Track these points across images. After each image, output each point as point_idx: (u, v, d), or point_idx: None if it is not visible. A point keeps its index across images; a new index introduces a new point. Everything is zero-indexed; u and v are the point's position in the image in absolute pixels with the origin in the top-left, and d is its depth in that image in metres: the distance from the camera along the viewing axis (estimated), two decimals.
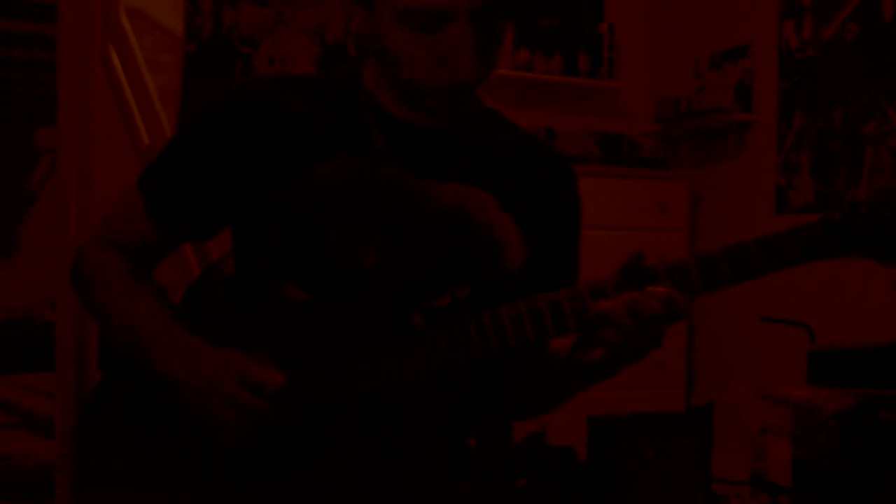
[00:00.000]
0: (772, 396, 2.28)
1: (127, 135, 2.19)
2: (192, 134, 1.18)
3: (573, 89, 3.96)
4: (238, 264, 1.20)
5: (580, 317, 0.99)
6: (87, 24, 1.96)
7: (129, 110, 2.17)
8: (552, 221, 1.20)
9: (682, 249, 3.52)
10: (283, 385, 1.03)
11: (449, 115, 1.13)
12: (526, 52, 3.79)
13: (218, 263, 1.28)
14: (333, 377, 1.05)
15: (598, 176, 3.50)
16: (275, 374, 1.03)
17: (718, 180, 3.72)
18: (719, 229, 3.73)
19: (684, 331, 3.62)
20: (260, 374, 1.03)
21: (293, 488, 1.06)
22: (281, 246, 1.11)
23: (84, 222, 1.91)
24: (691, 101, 3.69)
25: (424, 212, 1.11)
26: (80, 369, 1.93)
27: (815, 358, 2.21)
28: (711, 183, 3.75)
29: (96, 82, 2.00)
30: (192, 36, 3.46)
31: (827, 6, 3.20)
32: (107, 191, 1.84)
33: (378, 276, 1.09)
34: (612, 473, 2.24)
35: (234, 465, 1.07)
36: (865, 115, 3.03)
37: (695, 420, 2.36)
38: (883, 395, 1.95)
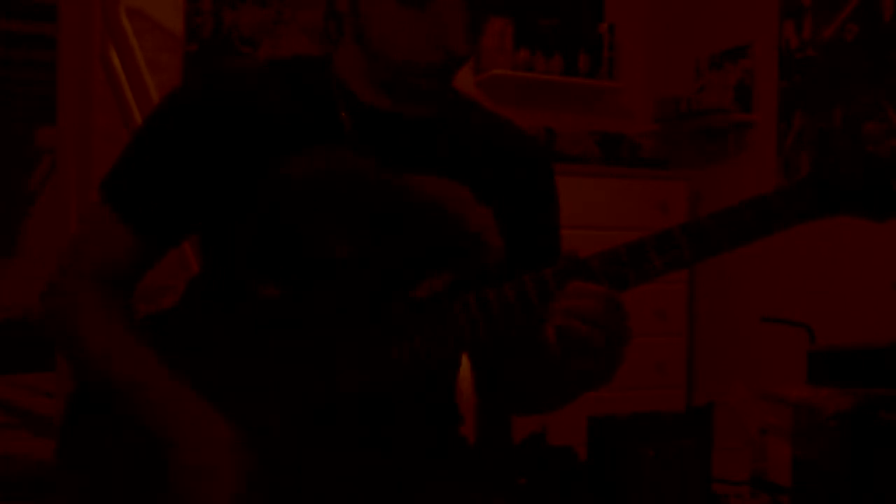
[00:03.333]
0: (772, 396, 2.28)
1: (127, 135, 2.19)
2: (157, 129, 1.11)
3: (573, 89, 3.96)
4: (206, 265, 1.16)
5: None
6: (87, 24, 1.96)
7: (129, 110, 2.17)
8: (529, 212, 1.17)
9: None
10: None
11: (428, 101, 1.10)
12: (526, 52, 3.79)
13: None
14: (320, 377, 1.02)
15: (598, 176, 3.50)
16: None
17: (718, 180, 3.72)
18: None
19: (684, 331, 3.62)
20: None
21: (292, 497, 1.04)
22: (254, 242, 1.07)
23: None
24: (691, 101, 3.68)
25: (401, 204, 1.08)
26: None
27: (815, 358, 2.21)
28: (711, 183, 3.75)
29: (96, 82, 2.00)
30: (192, 36, 3.46)
31: (827, 6, 3.20)
32: None
33: (352, 268, 1.06)
34: (612, 473, 2.24)
35: None
36: (865, 115, 3.03)
37: (695, 420, 2.36)
38: (883, 395, 1.95)
